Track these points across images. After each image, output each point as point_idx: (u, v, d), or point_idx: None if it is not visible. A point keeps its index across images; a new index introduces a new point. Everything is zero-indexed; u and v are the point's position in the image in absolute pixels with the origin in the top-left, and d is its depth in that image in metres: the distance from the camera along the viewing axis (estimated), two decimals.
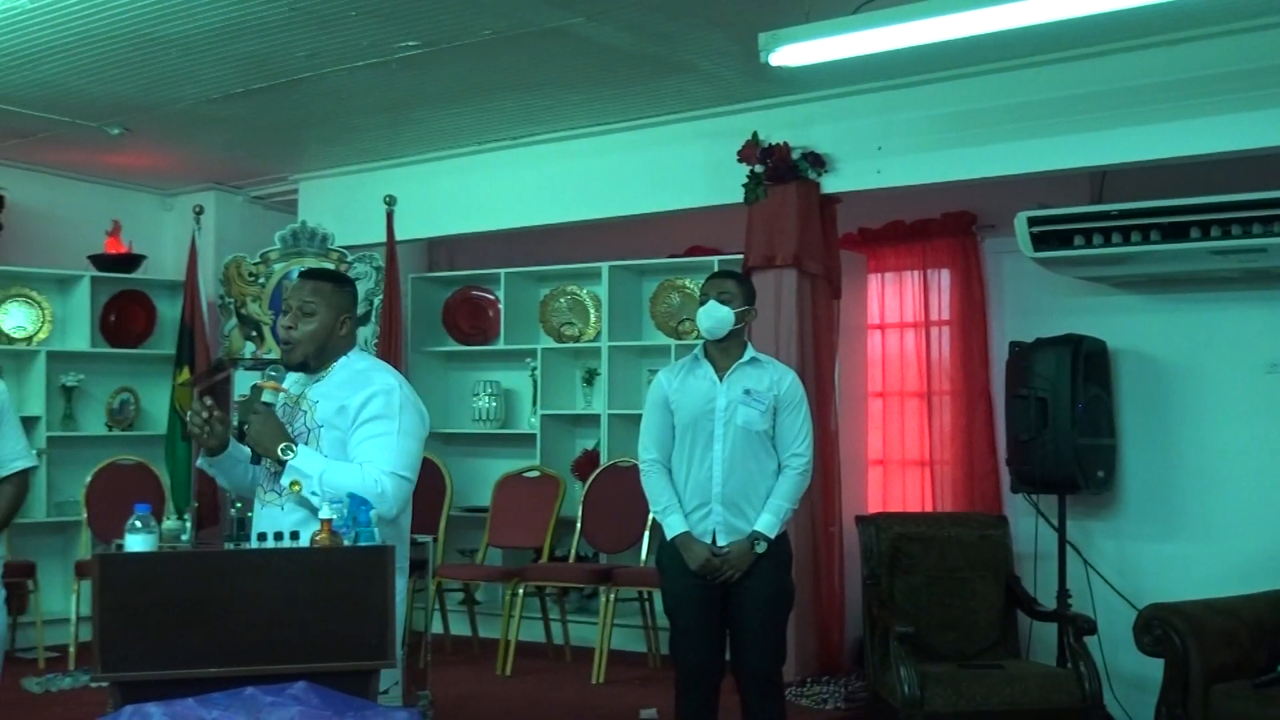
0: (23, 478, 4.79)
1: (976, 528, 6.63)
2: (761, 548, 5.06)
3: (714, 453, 5.10)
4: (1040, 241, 6.58)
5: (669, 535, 5.17)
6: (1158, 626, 5.89)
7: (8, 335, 8.44)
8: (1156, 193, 6.38)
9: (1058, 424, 6.60)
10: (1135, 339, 7.01)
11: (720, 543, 5.09)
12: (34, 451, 4.91)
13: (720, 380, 5.15)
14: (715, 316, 5.12)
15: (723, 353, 5.20)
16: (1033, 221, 6.57)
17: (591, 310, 8.64)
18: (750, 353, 5.23)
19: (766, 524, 5.07)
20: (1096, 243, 6.44)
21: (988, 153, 6.59)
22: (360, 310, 8.39)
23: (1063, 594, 6.64)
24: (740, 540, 5.07)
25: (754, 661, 5.14)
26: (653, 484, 5.20)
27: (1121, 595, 6.79)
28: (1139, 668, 6.38)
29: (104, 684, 5.12)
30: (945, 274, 7.70)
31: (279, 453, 3.98)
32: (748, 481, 5.10)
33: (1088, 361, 6.70)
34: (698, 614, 5.13)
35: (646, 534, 7.46)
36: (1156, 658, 5.91)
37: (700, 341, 5.31)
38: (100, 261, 8.86)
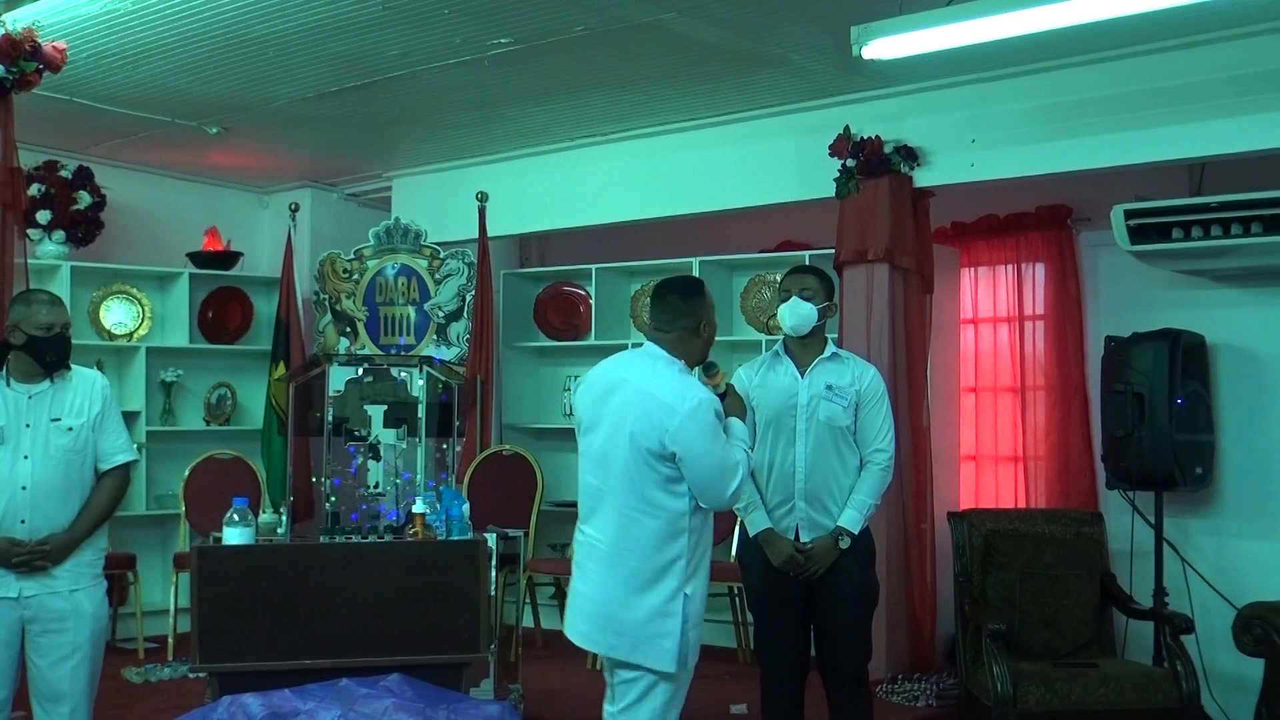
0: (124, 471, 4.91)
1: (1071, 524, 6.56)
2: (845, 543, 5.04)
3: (797, 449, 5.08)
4: (1137, 234, 6.50)
5: (752, 532, 5.16)
6: (1258, 626, 5.80)
7: (109, 331, 8.60)
8: (1257, 184, 6.27)
9: (1155, 420, 6.51)
10: (1235, 333, 6.89)
11: (803, 539, 5.07)
12: (135, 445, 5.01)
13: (802, 376, 5.13)
14: (799, 313, 5.10)
15: (804, 348, 5.18)
16: (1130, 214, 6.49)
17: None
18: (831, 348, 5.21)
19: (850, 520, 5.05)
20: (1195, 235, 6.35)
21: (1083, 145, 6.51)
22: (453, 306, 8.56)
23: (1159, 592, 6.55)
24: (824, 536, 5.05)
25: (839, 658, 5.13)
26: None
27: (1220, 594, 6.68)
28: (1238, 668, 6.29)
29: (202, 674, 5.22)
30: (1039, 268, 7.63)
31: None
32: (830, 477, 5.08)
33: (1186, 356, 6.60)
34: (782, 610, 5.12)
35: (737, 529, 7.44)
36: (1256, 658, 5.83)
37: (780, 337, 5.29)
38: (198, 259, 9.00)
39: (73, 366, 4.83)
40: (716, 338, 4.35)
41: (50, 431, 4.70)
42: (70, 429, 4.73)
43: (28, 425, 4.68)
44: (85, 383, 4.83)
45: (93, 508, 4.79)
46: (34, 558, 4.63)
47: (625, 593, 4.28)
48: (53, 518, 4.70)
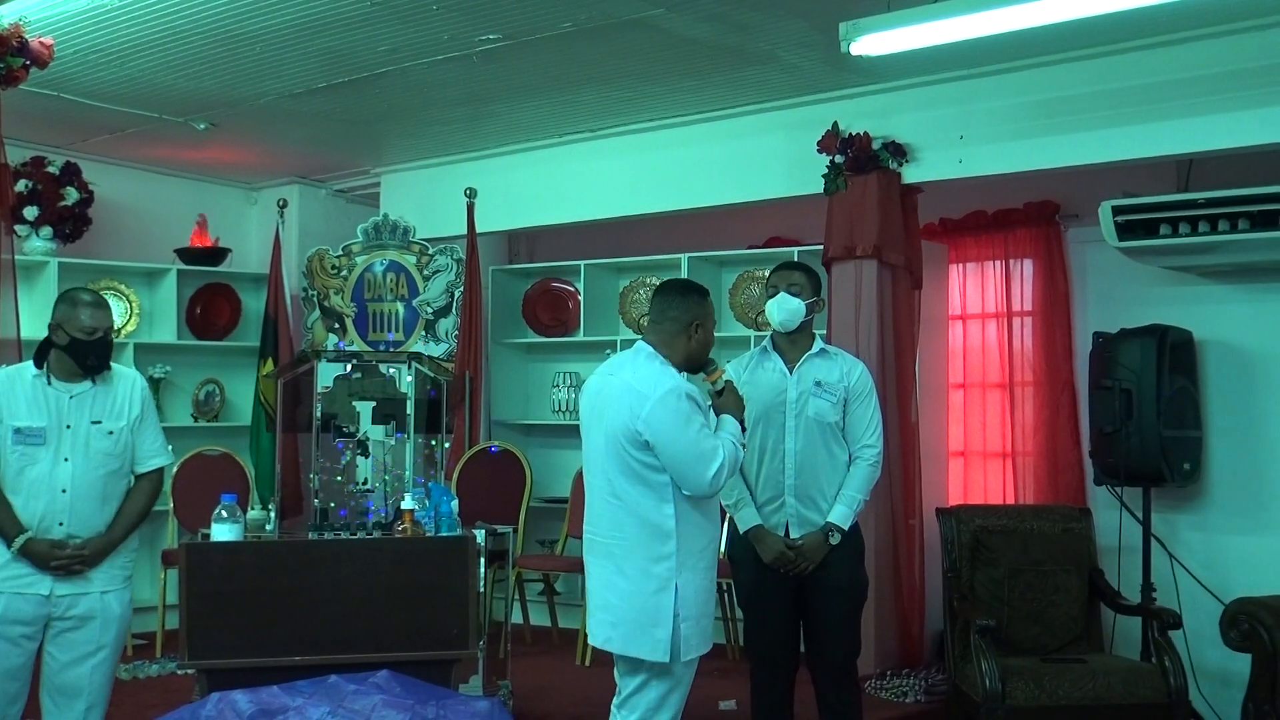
0: (159, 475, 4.91)
1: (1059, 520, 6.58)
2: (835, 539, 5.05)
3: (786, 445, 5.09)
4: (1125, 231, 6.50)
5: (742, 529, 5.18)
6: (1244, 621, 5.82)
7: None
8: (1245, 180, 6.29)
9: (1143, 416, 6.52)
10: (1222, 329, 6.91)
11: (793, 535, 5.08)
12: (170, 448, 5.00)
13: (790, 372, 5.14)
14: (787, 309, 5.11)
15: (791, 344, 5.19)
16: (1117, 210, 6.50)
17: None
18: (819, 344, 5.22)
19: (840, 515, 5.06)
20: (1183, 231, 6.36)
21: (1071, 141, 6.51)
22: (441, 303, 8.55)
23: (1147, 588, 6.57)
24: (814, 532, 5.06)
25: (829, 653, 5.14)
26: None
27: (1207, 589, 6.70)
28: (1225, 663, 6.31)
29: (190, 671, 5.21)
30: (1028, 264, 7.64)
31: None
32: (820, 473, 5.09)
33: (1173, 352, 6.62)
34: (772, 606, 5.13)
35: (726, 525, 7.45)
36: (1244, 653, 5.85)
37: (768, 333, 5.30)
38: (186, 255, 8.98)
39: (113, 366, 4.81)
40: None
41: (90, 434, 4.67)
42: (110, 433, 4.71)
43: (68, 427, 4.66)
44: (125, 384, 4.81)
45: (129, 512, 4.79)
46: (73, 562, 4.62)
47: (619, 583, 4.39)
48: (90, 521, 4.68)
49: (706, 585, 4.45)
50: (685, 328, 4.48)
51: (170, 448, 5.04)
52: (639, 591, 4.34)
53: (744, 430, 4.62)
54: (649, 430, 4.28)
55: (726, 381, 4.59)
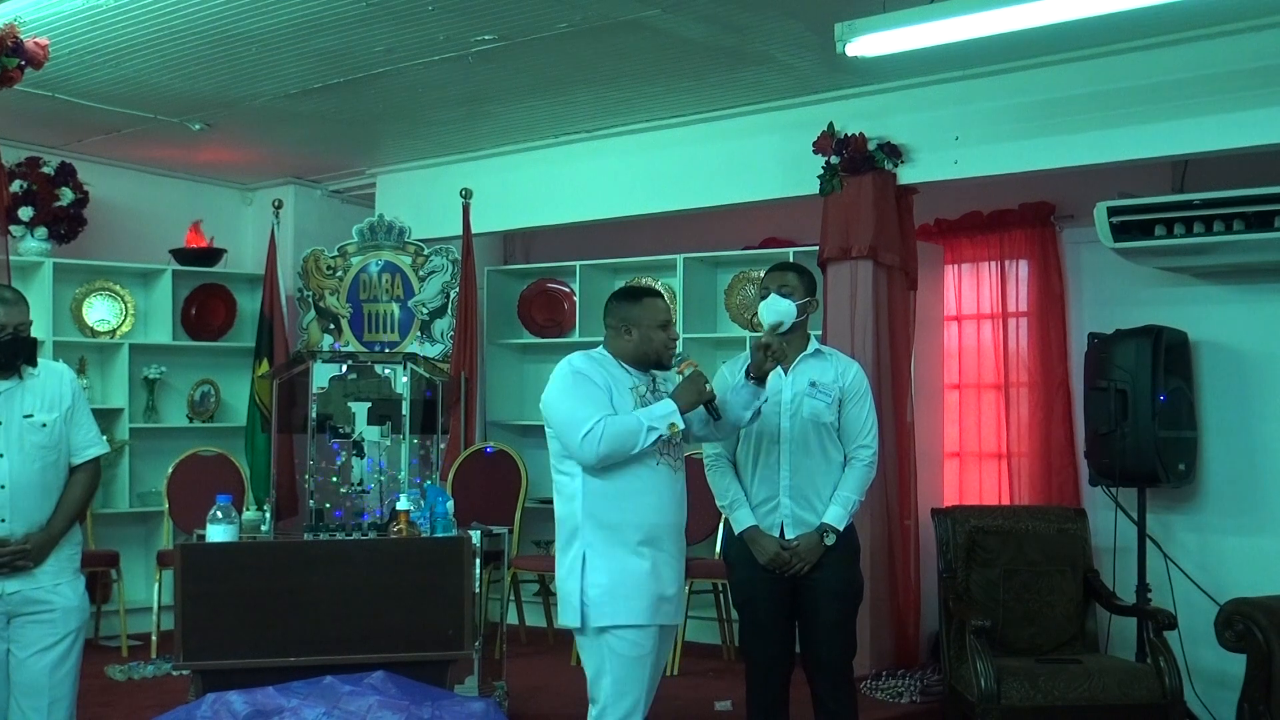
0: (95, 465, 4.89)
1: (1054, 521, 6.58)
2: (831, 540, 5.04)
3: (781, 446, 5.08)
4: (1120, 232, 6.51)
5: (737, 530, 5.16)
6: (1240, 621, 5.82)
7: (92, 328, 8.57)
8: (1240, 181, 6.29)
9: (1138, 416, 6.53)
10: (1217, 330, 6.92)
11: (789, 536, 5.07)
12: (104, 438, 4.98)
13: (785, 373, 5.13)
14: (777, 310, 5.10)
15: (786, 345, 5.18)
16: (1113, 211, 6.51)
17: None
18: (814, 345, 5.22)
19: (835, 516, 5.05)
20: (1178, 232, 6.36)
21: (1066, 142, 6.52)
22: (437, 303, 8.55)
23: (1142, 588, 6.57)
24: (809, 533, 5.06)
25: (825, 654, 5.13)
26: (718, 479, 5.19)
27: (1202, 590, 6.71)
28: (1220, 663, 6.31)
29: (185, 672, 5.21)
30: (1023, 265, 7.64)
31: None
32: (815, 474, 5.08)
33: (1169, 353, 6.62)
34: (767, 607, 5.12)
35: (721, 526, 7.44)
36: (1238, 653, 5.85)
37: (762, 334, 5.30)
38: (182, 255, 8.97)
39: (40, 362, 4.79)
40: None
41: (24, 428, 4.65)
42: (44, 425, 4.68)
43: (0, 423, 4.65)
44: (54, 377, 4.79)
45: (68, 503, 4.76)
46: (16, 558, 4.60)
47: (558, 561, 4.62)
48: (32, 515, 4.66)
49: (625, 562, 4.49)
50: (618, 330, 4.73)
51: (104, 438, 5.03)
52: (560, 565, 4.57)
53: (717, 417, 4.68)
54: (543, 405, 4.65)
55: (692, 371, 4.66)
